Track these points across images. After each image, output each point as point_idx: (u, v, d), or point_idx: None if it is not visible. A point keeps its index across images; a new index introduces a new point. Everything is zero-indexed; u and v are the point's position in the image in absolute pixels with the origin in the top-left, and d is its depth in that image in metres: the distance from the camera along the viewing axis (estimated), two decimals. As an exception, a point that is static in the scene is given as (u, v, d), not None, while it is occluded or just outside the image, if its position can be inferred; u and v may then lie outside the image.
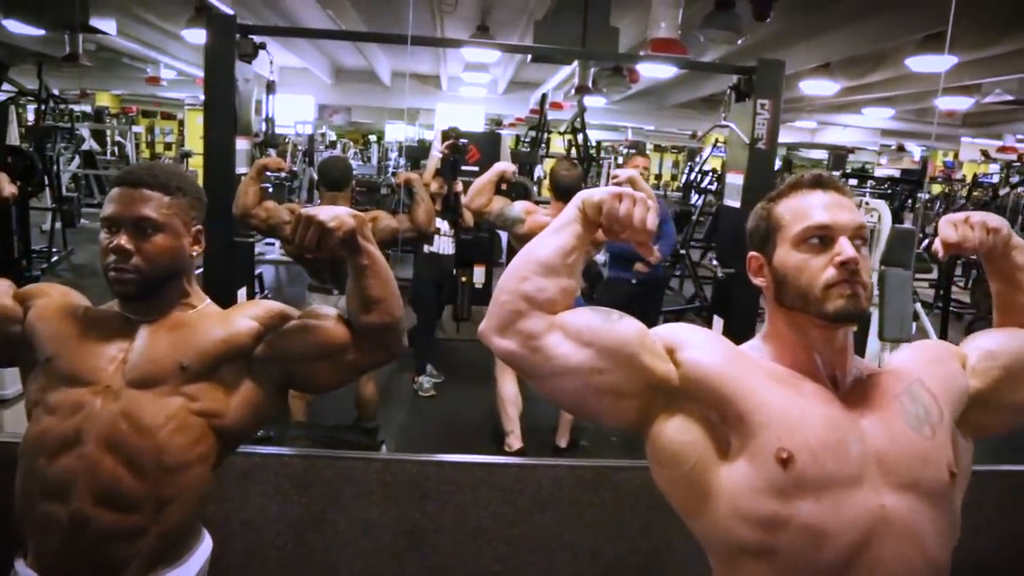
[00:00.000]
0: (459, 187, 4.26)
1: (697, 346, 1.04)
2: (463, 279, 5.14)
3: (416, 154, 6.80)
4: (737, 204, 3.41)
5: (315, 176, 8.05)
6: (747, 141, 3.27)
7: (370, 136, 19.23)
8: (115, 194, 1.25)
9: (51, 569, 1.18)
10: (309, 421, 3.34)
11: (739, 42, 5.75)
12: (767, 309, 1.12)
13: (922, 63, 6.64)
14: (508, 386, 3.38)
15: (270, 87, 3.16)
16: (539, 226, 3.28)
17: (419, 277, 4.41)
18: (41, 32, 6.09)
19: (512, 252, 5.53)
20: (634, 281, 4.51)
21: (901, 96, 10.19)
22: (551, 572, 2.29)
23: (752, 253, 1.12)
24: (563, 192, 3.34)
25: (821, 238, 1.03)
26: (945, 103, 9.78)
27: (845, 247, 1.00)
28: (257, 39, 3.03)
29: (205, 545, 1.35)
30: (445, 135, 5.40)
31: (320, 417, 3.56)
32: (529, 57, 6.88)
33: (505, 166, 3.44)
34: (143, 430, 1.18)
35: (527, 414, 3.53)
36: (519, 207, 3.36)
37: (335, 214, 1.18)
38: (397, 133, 15.02)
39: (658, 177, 19.75)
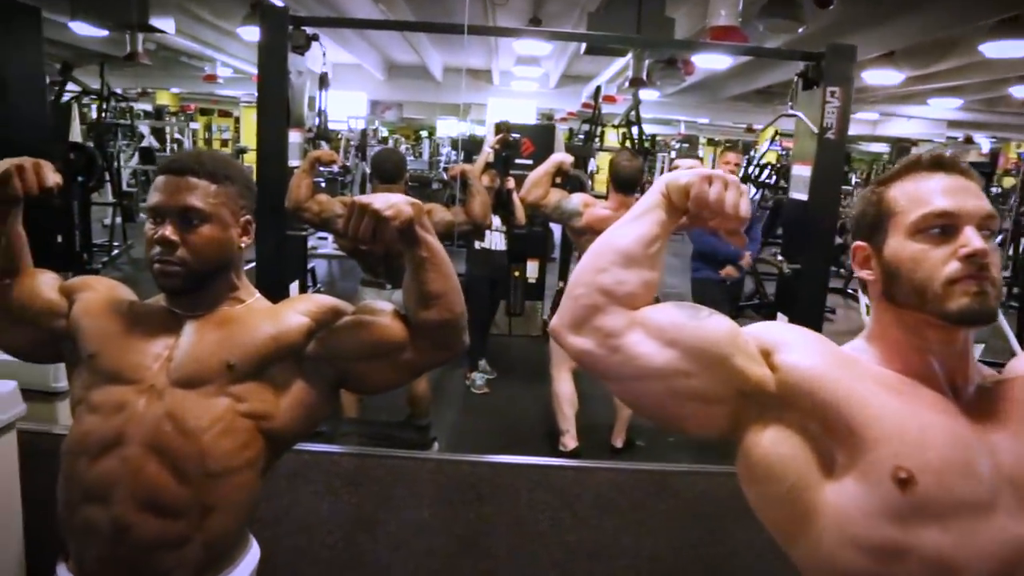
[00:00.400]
0: (511, 184, 4.17)
1: (797, 348, 0.92)
2: (516, 274, 5.08)
3: (469, 148, 6.75)
4: (804, 197, 3.25)
5: (367, 170, 8.08)
6: (815, 131, 3.10)
7: (421, 132, 19.33)
8: (160, 183, 1.19)
9: (97, 565, 1.13)
10: (360, 417, 3.31)
11: (800, 31, 5.54)
12: (873, 307, 0.99)
13: (999, 48, 6.30)
14: (564, 384, 3.29)
15: (323, 80, 3.12)
16: (597, 219, 3.18)
17: (471, 274, 4.35)
18: (104, 33, 6.24)
19: (568, 247, 5.45)
20: (726, 282, 4.30)
21: (970, 85, 9.74)
22: (610, 580, 2.20)
23: (858, 243, 0.99)
24: (623, 183, 3.24)
25: (943, 227, 0.89)
26: (1021, 91, 9.31)
27: (972, 238, 0.87)
28: (309, 31, 2.99)
29: (252, 555, 1.27)
30: (498, 128, 5.34)
31: (372, 413, 3.53)
32: (582, 49, 6.77)
33: (562, 157, 3.33)
34: (188, 432, 1.12)
35: (582, 413, 3.43)
36: (577, 200, 3.26)
37: (391, 202, 1.09)
38: (448, 129, 15.06)
39: (711, 171, 19.36)
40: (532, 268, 5.21)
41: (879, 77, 8.38)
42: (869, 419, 0.85)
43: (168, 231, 1.15)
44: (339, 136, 10.77)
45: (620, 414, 3.41)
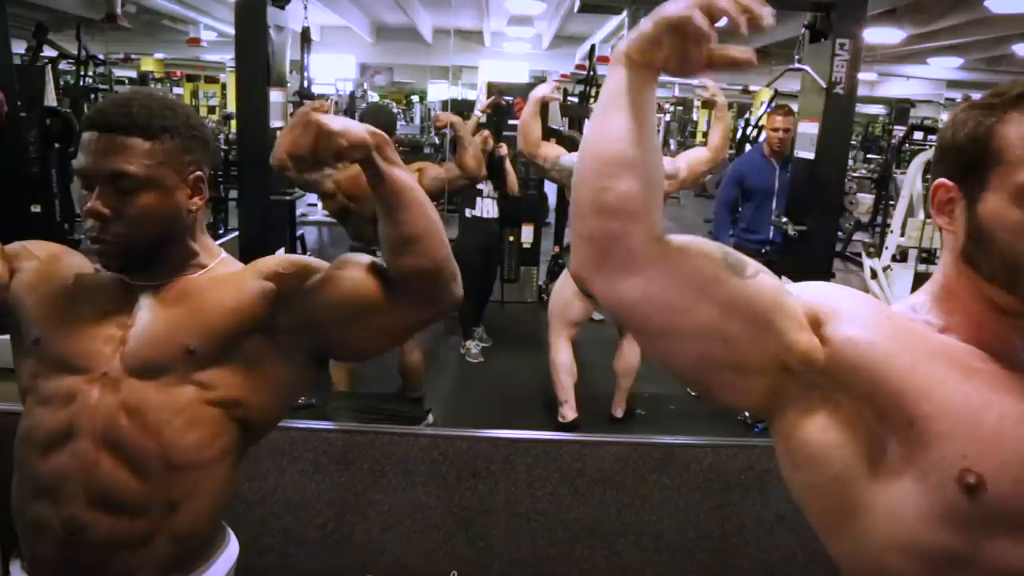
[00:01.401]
0: (503, 149, 4.01)
1: (852, 318, 0.75)
2: (511, 239, 4.95)
3: (460, 109, 6.56)
4: (811, 155, 3.12)
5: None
6: (824, 86, 2.96)
7: (412, 96, 19.02)
8: (86, 141, 1.00)
9: (52, 565, 1.02)
10: (351, 390, 3.20)
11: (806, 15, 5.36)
12: (945, 260, 0.81)
13: (1004, 2, 6.14)
14: (562, 353, 3.18)
15: (305, 35, 2.96)
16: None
17: (463, 242, 4.20)
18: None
19: (563, 211, 5.31)
20: (764, 250, 3.77)
21: (972, 44, 9.54)
22: (612, 559, 2.11)
23: (943, 180, 0.79)
24: None
25: None
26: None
27: None
28: (290, -18, 2.82)
29: (229, 552, 1.15)
30: (489, 90, 5.17)
31: (363, 385, 3.42)
32: (576, 7, 6.56)
33: (543, 90, 3.13)
34: (147, 427, 0.99)
35: (581, 382, 3.33)
36: (575, 157, 3.13)
37: (346, 123, 0.93)
38: (440, 93, 14.78)
39: (706, 135, 19.16)
40: (527, 233, 5.07)
41: (880, 35, 8.18)
42: (933, 410, 0.71)
43: (98, 203, 0.99)
44: (327, 100, 10.53)
45: (620, 383, 3.32)
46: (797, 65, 3.06)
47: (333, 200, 2.85)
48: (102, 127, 0.99)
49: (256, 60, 2.73)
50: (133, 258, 1.04)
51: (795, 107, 3.50)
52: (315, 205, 8.34)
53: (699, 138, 18.60)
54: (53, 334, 1.04)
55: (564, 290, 3.22)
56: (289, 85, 3.06)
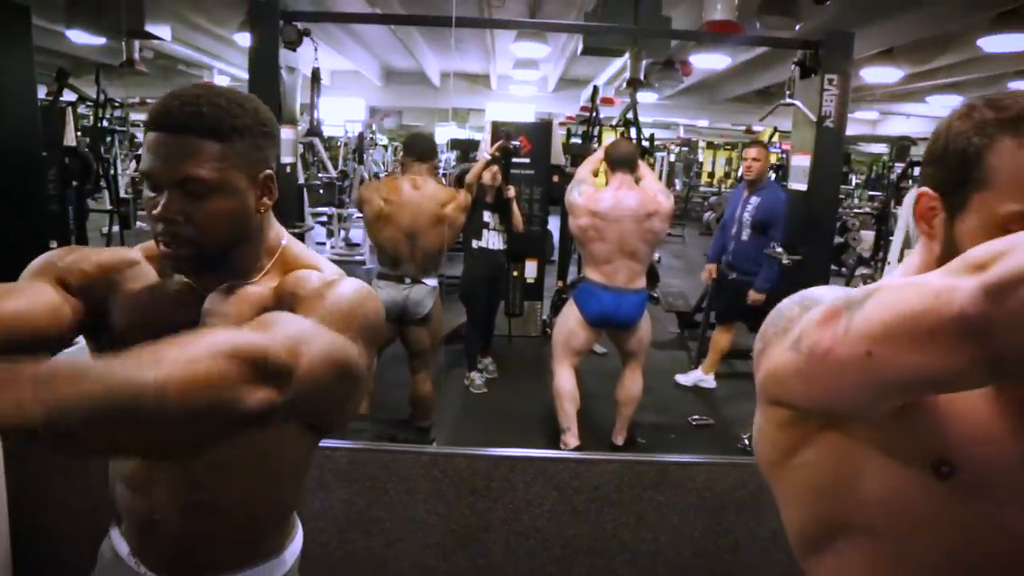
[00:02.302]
0: (511, 192, 4.16)
1: None
2: (515, 274, 5.03)
3: (465, 146, 6.73)
4: (803, 187, 3.21)
5: (365, 175, 8.05)
6: (814, 119, 3.07)
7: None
8: (152, 142, 0.95)
9: (138, 544, 1.10)
10: (363, 414, 3.28)
11: (796, 28, 5.51)
12: (918, 260, 0.83)
13: (998, 43, 6.26)
14: (565, 380, 3.24)
15: (314, 75, 3.09)
16: (577, 209, 3.19)
17: (470, 273, 4.31)
18: (100, 41, 6.23)
19: (566, 248, 5.41)
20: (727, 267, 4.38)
21: (969, 81, 9.68)
22: (609, 576, 2.15)
23: (927, 190, 0.79)
24: (618, 161, 3.22)
25: None
26: (1020, 86, 9.26)
27: None
28: (300, 26, 2.97)
29: (298, 540, 1.21)
30: (495, 127, 5.31)
31: (377, 410, 3.49)
32: (579, 49, 6.74)
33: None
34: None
35: (583, 411, 3.38)
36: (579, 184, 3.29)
37: None
38: (447, 135, 15.04)
39: (711, 175, 19.34)
40: (531, 268, 5.16)
41: (878, 75, 8.33)
42: (909, 407, 0.73)
43: (170, 208, 0.94)
44: (337, 143, 10.76)
45: (621, 411, 3.36)
46: (788, 100, 3.17)
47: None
48: (170, 128, 0.94)
49: (268, 99, 2.84)
50: (205, 263, 1.00)
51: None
52: (324, 244, 8.50)
53: (704, 178, 18.79)
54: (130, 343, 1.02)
55: (568, 320, 3.30)
56: (300, 126, 3.18)
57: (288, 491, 1.14)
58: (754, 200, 4.08)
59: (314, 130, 3.13)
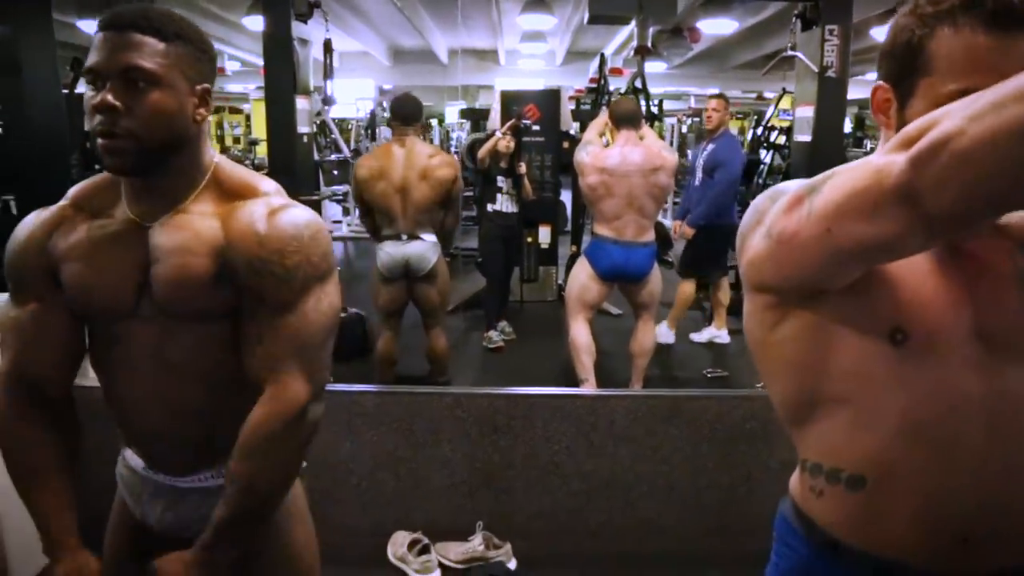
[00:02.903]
0: (523, 168, 4.30)
1: None
2: (529, 240, 5.12)
3: (476, 115, 6.80)
4: (808, 138, 3.27)
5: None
6: (816, 70, 3.12)
7: (431, 120, 19.34)
8: (99, 40, 1.00)
9: (152, 457, 1.19)
10: (383, 373, 3.41)
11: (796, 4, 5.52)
12: (880, 151, 0.88)
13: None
14: (581, 333, 3.34)
15: (327, 46, 3.18)
16: (586, 167, 3.26)
17: (486, 235, 4.42)
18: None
19: (578, 215, 5.48)
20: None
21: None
22: (627, 509, 2.25)
23: (881, 83, 0.86)
24: (623, 118, 3.29)
25: None
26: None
27: None
28: (311, -2, 3.05)
29: None
30: (504, 96, 5.38)
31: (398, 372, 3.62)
32: (586, 19, 6.77)
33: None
34: (189, 350, 1.09)
35: (599, 370, 3.46)
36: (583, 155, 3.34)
37: None
38: (457, 115, 15.06)
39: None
40: (544, 234, 5.24)
41: (883, 34, 8.28)
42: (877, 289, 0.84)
43: (109, 96, 0.97)
44: (349, 125, 10.84)
45: (636, 363, 3.45)
46: (790, 52, 3.22)
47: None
48: (118, 27, 0.99)
49: (283, 69, 2.95)
50: (143, 159, 1.01)
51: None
52: (339, 222, 8.62)
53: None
54: (76, 293, 1.09)
55: (580, 274, 3.39)
56: (313, 94, 3.27)
57: None
58: (710, 148, 4.21)
59: (328, 100, 3.22)
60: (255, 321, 1.06)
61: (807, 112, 3.27)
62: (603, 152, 3.28)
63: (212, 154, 1.13)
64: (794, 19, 3.22)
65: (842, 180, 0.74)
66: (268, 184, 1.14)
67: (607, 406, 2.18)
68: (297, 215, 1.08)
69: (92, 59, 0.99)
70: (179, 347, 1.09)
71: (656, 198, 3.28)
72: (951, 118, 0.64)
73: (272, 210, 1.07)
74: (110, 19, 1.00)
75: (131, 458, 1.22)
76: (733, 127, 19.75)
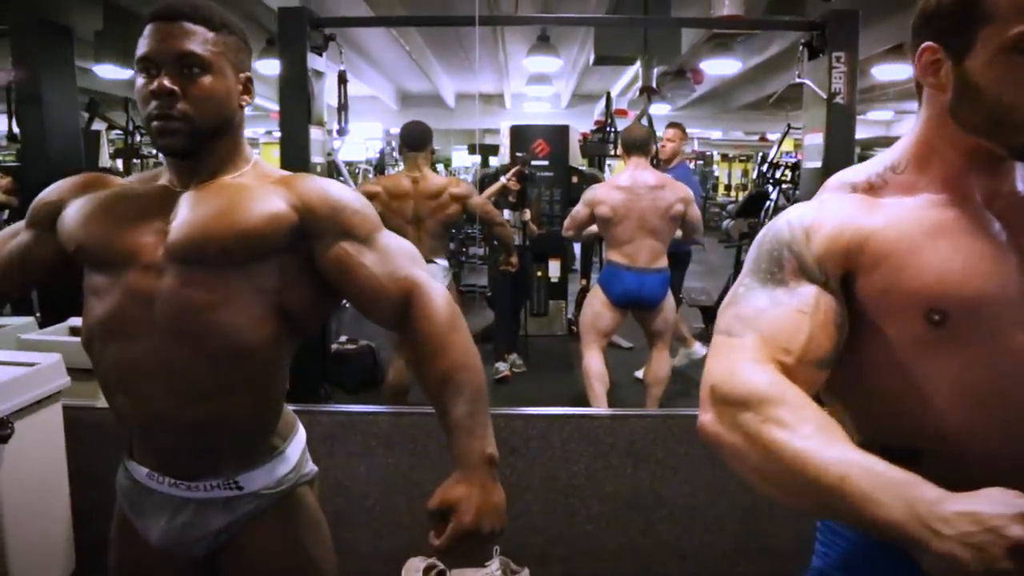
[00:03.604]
0: (527, 215, 4.34)
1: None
2: (539, 273, 5.13)
3: (485, 151, 6.90)
4: (819, 164, 3.28)
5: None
6: (824, 96, 3.15)
7: (437, 165, 19.58)
8: (150, 30, 1.05)
9: (157, 457, 1.14)
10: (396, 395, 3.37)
11: (802, 33, 5.62)
12: (924, 117, 0.90)
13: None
14: (594, 361, 3.31)
15: (341, 77, 3.24)
16: (597, 200, 3.28)
17: (494, 270, 4.43)
18: (129, 74, 6.47)
19: (587, 249, 5.50)
20: None
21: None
22: (648, 532, 2.20)
23: (928, 44, 0.85)
24: (634, 145, 3.33)
25: None
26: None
27: None
28: (327, 31, 3.11)
29: (301, 433, 1.26)
30: (513, 131, 5.45)
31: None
32: (591, 60, 6.89)
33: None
34: (198, 309, 1.05)
35: (612, 397, 3.44)
36: (579, 210, 3.38)
37: (489, 520, 1.00)
38: (463, 160, 15.25)
39: (728, 188, 19.38)
40: (554, 268, 5.25)
41: (889, 72, 8.39)
42: (911, 273, 0.84)
43: (165, 81, 1.02)
44: (357, 168, 10.98)
45: (651, 392, 3.41)
46: (798, 80, 3.26)
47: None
48: (169, 17, 1.05)
49: (298, 99, 2.99)
50: (196, 139, 1.06)
51: (802, 123, 3.68)
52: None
53: (721, 190, 18.84)
54: (93, 240, 1.09)
55: (593, 302, 3.38)
56: (326, 124, 3.32)
57: (276, 395, 1.18)
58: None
59: (343, 129, 3.28)
60: (363, 256, 1.09)
61: (817, 139, 3.29)
62: (614, 178, 3.33)
63: (251, 155, 1.18)
64: (801, 47, 3.26)
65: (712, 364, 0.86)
66: (309, 175, 1.20)
67: (626, 426, 2.15)
68: (340, 185, 1.18)
69: (145, 48, 1.05)
70: (195, 302, 1.06)
71: (668, 221, 3.29)
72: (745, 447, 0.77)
73: (325, 182, 1.16)
74: (161, 10, 1.06)
75: (134, 468, 1.17)
76: (737, 169, 19.84)
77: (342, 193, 1.14)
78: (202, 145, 1.09)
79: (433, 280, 1.11)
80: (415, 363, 1.09)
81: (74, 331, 2.68)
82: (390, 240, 1.14)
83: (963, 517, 0.63)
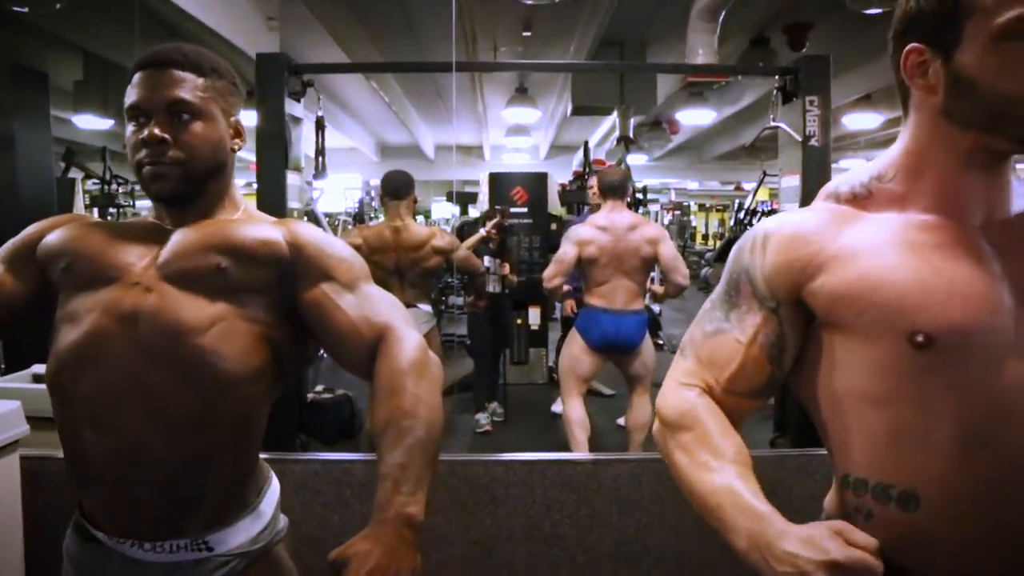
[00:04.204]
0: (506, 269, 4.26)
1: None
2: (519, 322, 5.08)
3: (464, 199, 6.92)
4: (796, 205, 3.30)
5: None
6: (799, 139, 3.18)
7: (418, 216, 19.65)
8: (139, 79, 1.04)
9: (118, 513, 1.02)
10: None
11: (776, 77, 5.76)
12: (914, 124, 0.86)
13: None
14: (575, 409, 3.25)
15: (319, 123, 3.22)
16: (584, 241, 3.25)
17: (474, 317, 4.37)
18: (107, 124, 6.46)
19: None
20: None
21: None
22: (635, 582, 2.12)
23: (914, 45, 0.81)
24: (611, 188, 3.34)
25: None
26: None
27: None
28: (305, 78, 3.11)
29: (275, 485, 1.18)
30: (492, 178, 5.47)
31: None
32: (569, 111, 7.00)
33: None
34: (185, 332, 0.99)
35: (594, 444, 3.37)
36: (568, 251, 3.33)
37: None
38: (443, 211, 15.34)
39: (705, 237, 19.63)
40: (534, 315, 5.21)
41: (859, 121, 8.61)
42: (888, 295, 0.81)
43: (156, 129, 1.01)
44: (336, 221, 10.95)
45: (634, 437, 3.35)
46: (773, 123, 3.30)
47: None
48: (158, 65, 1.04)
49: (276, 144, 2.97)
50: (188, 185, 1.05)
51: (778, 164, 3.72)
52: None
53: (699, 239, 19.07)
54: (82, 257, 1.04)
55: (572, 347, 3.33)
56: (303, 169, 3.30)
57: (256, 440, 1.11)
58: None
59: (320, 175, 3.26)
60: (342, 299, 1.06)
61: (793, 181, 3.31)
62: (593, 219, 3.33)
63: (243, 202, 1.17)
64: (775, 92, 3.31)
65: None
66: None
67: (610, 471, 2.09)
68: (338, 240, 1.17)
69: (134, 97, 1.04)
70: (184, 323, 0.99)
71: (641, 262, 3.28)
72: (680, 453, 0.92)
73: (315, 229, 1.15)
74: (149, 58, 1.05)
75: (85, 531, 1.07)
76: (714, 219, 20.09)
77: (332, 240, 1.14)
78: (194, 190, 1.08)
79: (410, 328, 1.06)
80: (369, 406, 1.02)
81: (37, 378, 2.59)
82: (372, 289, 1.11)
83: (786, 556, 0.72)
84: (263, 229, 1.09)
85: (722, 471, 0.83)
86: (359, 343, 1.04)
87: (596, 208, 3.63)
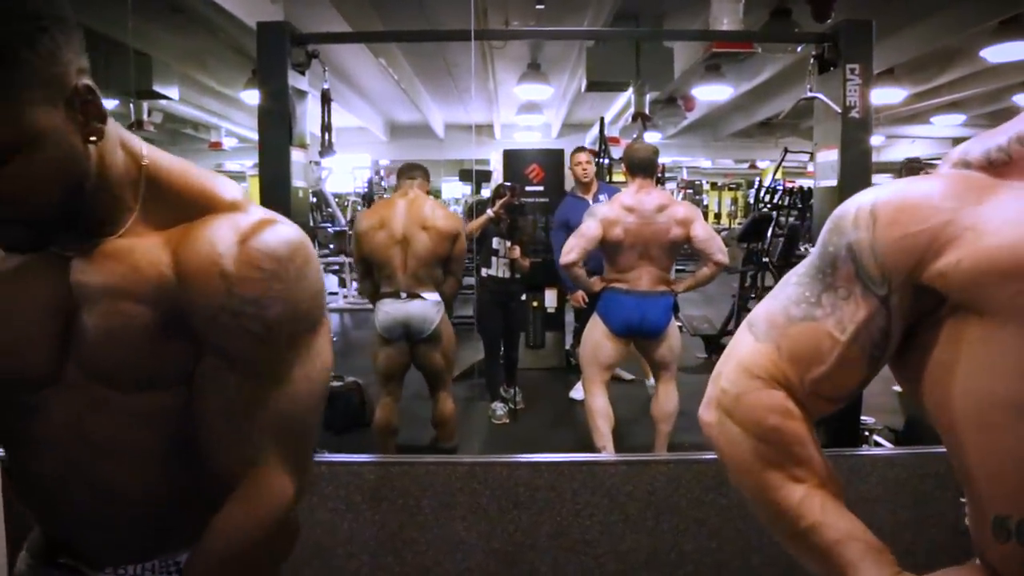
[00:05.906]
0: (516, 252, 4.04)
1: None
2: (535, 304, 4.90)
3: (479, 177, 6.75)
4: (834, 183, 3.09)
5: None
6: (839, 111, 2.96)
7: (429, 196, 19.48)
8: None
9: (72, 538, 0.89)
10: (384, 438, 3.18)
11: (799, 49, 5.51)
12: None
13: (1001, 52, 6.24)
14: (598, 398, 3.08)
15: (325, 96, 3.03)
16: (610, 221, 3.04)
17: (482, 302, 4.18)
18: (111, 105, 6.30)
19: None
20: None
21: (972, 98, 9.68)
22: (671, 592, 1.95)
23: None
24: (639, 165, 3.13)
25: None
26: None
27: None
28: (310, 48, 2.91)
29: None
30: (507, 155, 5.26)
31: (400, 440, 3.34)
32: (583, 87, 6.76)
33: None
34: (135, 434, 0.82)
35: (618, 435, 3.20)
36: (591, 226, 3.09)
37: None
38: (453, 191, 15.17)
39: (717, 216, 19.35)
40: (550, 297, 5.02)
41: (882, 96, 8.32)
42: None
43: None
44: (345, 201, 10.79)
45: (660, 428, 3.17)
46: (810, 94, 3.07)
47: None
48: None
49: (278, 122, 2.79)
50: (39, 233, 0.77)
51: (813, 138, 3.51)
52: (335, 294, 8.41)
53: (711, 219, 18.79)
54: None
55: (593, 333, 3.15)
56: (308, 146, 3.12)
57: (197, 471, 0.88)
58: (601, 198, 3.97)
59: (327, 152, 3.07)
60: (220, 393, 0.79)
61: (831, 156, 3.10)
62: (618, 197, 3.14)
63: (138, 152, 0.83)
64: (811, 60, 3.09)
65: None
66: (230, 188, 0.85)
67: (645, 473, 1.91)
68: (277, 239, 0.80)
69: None
70: (113, 424, 0.81)
71: (669, 246, 3.08)
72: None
73: (242, 235, 0.79)
74: None
75: (40, 553, 0.93)
76: (727, 197, 19.95)
77: (252, 285, 0.77)
78: (53, 227, 0.77)
79: (278, 481, 0.80)
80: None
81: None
82: (291, 378, 0.80)
83: None
84: (146, 287, 0.79)
85: (841, 517, 0.74)
86: (216, 462, 0.81)
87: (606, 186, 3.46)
